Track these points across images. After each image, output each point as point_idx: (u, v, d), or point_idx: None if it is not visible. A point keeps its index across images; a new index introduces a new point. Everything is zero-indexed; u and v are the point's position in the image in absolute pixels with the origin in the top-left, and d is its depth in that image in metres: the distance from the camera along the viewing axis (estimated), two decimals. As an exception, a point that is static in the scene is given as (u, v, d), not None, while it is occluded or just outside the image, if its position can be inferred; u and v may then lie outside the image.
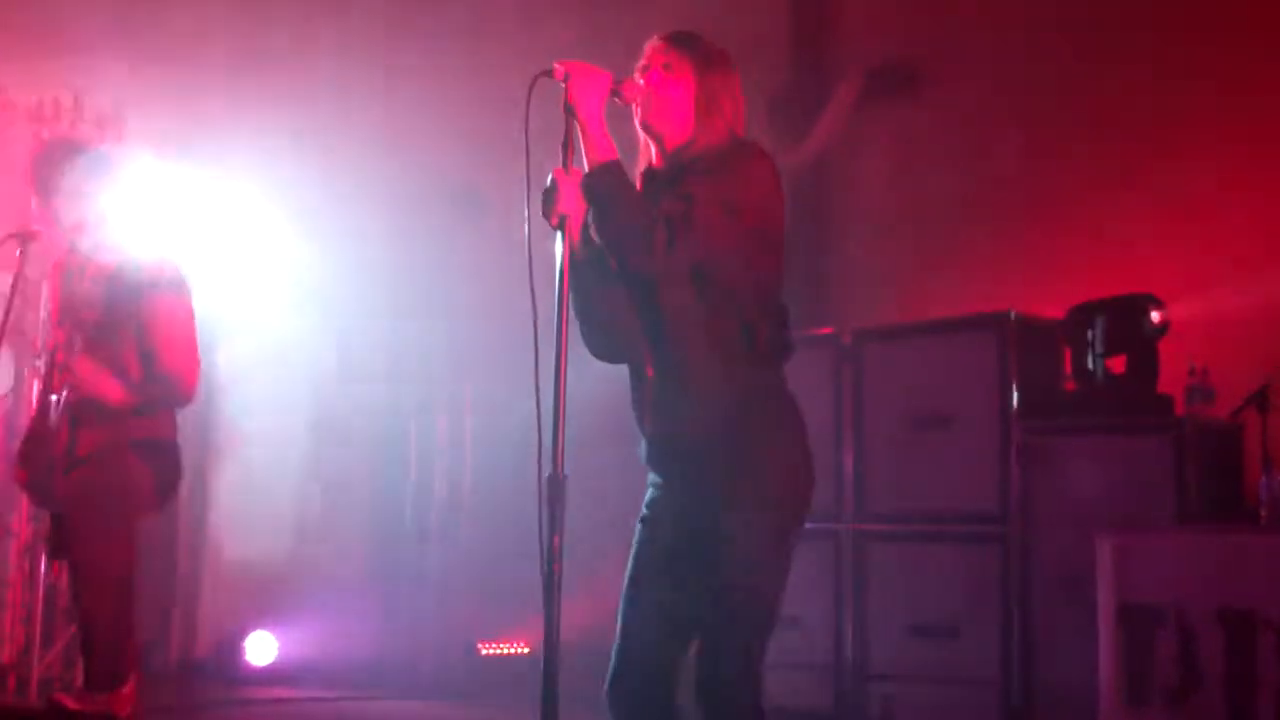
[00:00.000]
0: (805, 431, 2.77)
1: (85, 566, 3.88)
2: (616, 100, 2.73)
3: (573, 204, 2.67)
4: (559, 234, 2.67)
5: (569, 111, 2.66)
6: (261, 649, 6.47)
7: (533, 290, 2.60)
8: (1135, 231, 5.21)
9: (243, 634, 6.45)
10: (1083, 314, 4.88)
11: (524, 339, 2.61)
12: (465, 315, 7.30)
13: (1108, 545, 4.25)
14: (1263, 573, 4.00)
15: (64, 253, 4.25)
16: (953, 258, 5.73)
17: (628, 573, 2.80)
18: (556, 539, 2.51)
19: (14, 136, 5.99)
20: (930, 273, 5.78)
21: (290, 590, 6.79)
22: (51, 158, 4.31)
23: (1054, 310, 4.99)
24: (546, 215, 2.68)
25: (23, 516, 5.75)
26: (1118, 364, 4.85)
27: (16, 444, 4.36)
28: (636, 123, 2.82)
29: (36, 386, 5.32)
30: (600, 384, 3.12)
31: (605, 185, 2.63)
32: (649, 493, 2.84)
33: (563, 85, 2.67)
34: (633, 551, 2.81)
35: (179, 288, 4.16)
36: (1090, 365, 4.85)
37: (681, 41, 2.82)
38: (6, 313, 4.26)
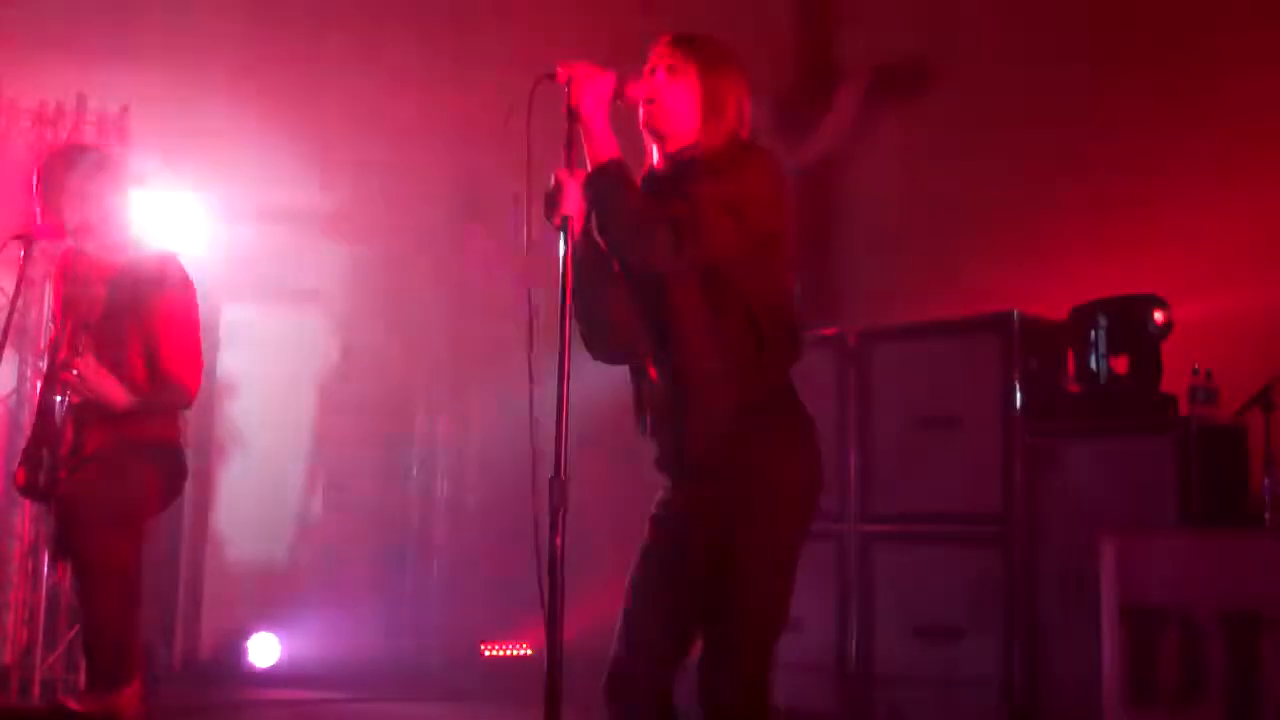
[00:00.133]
0: (815, 434, 2.76)
1: (89, 567, 3.87)
2: (619, 102, 2.73)
3: (575, 205, 2.66)
4: (561, 235, 2.67)
5: (572, 113, 2.65)
6: (264, 650, 6.47)
7: (529, 292, 2.60)
8: (1138, 232, 5.20)
9: (246, 635, 6.46)
10: (1086, 315, 4.87)
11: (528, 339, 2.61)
12: (468, 315, 7.31)
13: (1111, 546, 4.24)
14: (1266, 574, 3.99)
15: (68, 254, 4.26)
16: (957, 258, 5.72)
17: (634, 570, 2.79)
18: (559, 541, 2.50)
19: (17, 138, 6.00)
20: (935, 273, 5.78)
21: (293, 591, 6.79)
22: (54, 159, 4.31)
23: (1058, 311, 4.98)
24: (549, 216, 2.68)
25: (26, 517, 5.75)
26: (1121, 365, 4.85)
27: (20, 444, 4.36)
28: (640, 125, 2.82)
29: (39, 387, 5.32)
30: (602, 383, 3.11)
31: (608, 185, 2.62)
32: (661, 493, 2.83)
33: (566, 87, 2.66)
34: (641, 549, 2.80)
35: (183, 289, 4.16)
36: (1094, 366, 4.85)
37: (686, 43, 2.81)
38: (9, 313, 4.26)
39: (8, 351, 4.24)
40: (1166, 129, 5.21)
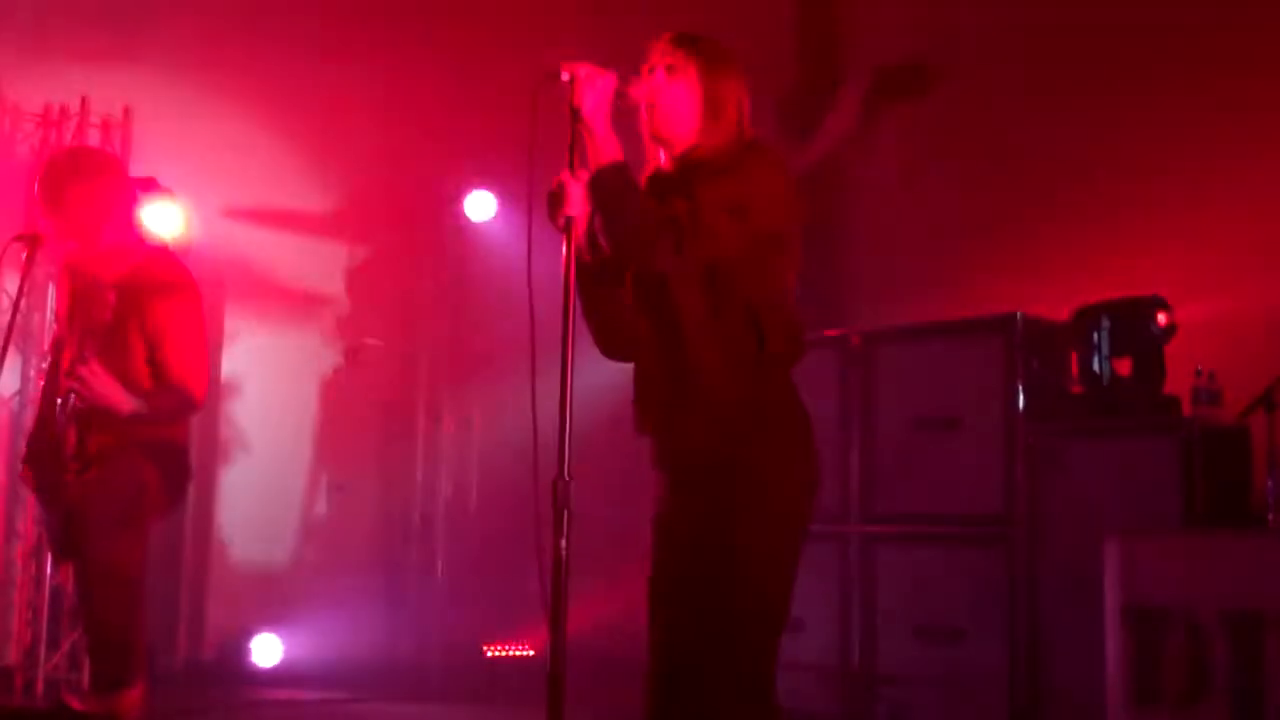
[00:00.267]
0: (811, 435, 2.76)
1: (93, 567, 3.87)
2: (621, 102, 2.72)
3: (578, 206, 2.66)
4: (565, 236, 2.67)
5: (574, 114, 2.65)
6: (267, 650, 6.47)
7: (531, 293, 2.60)
8: (1142, 233, 5.20)
9: (248, 635, 6.46)
10: (1089, 316, 4.87)
11: (531, 340, 2.61)
12: (471, 316, 7.31)
13: (1115, 547, 4.24)
14: (1270, 575, 3.99)
15: (72, 257, 4.25)
16: (960, 259, 5.72)
17: (649, 577, 2.79)
18: (562, 542, 2.50)
19: (20, 141, 6.01)
20: (937, 274, 5.78)
21: (296, 592, 6.79)
22: (58, 162, 4.31)
23: (1061, 313, 4.98)
24: (552, 217, 2.68)
25: (29, 518, 5.75)
26: (1124, 366, 4.85)
27: (22, 446, 4.36)
28: (642, 130, 2.82)
29: (41, 388, 5.33)
30: (605, 383, 3.12)
31: (611, 186, 2.62)
32: (657, 494, 2.83)
33: (568, 87, 2.66)
34: (651, 555, 2.80)
35: (187, 293, 4.16)
36: (1097, 367, 4.84)
37: (685, 42, 2.81)
38: (13, 316, 4.26)
39: (11, 354, 4.24)
40: (1169, 129, 5.21)
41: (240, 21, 6.37)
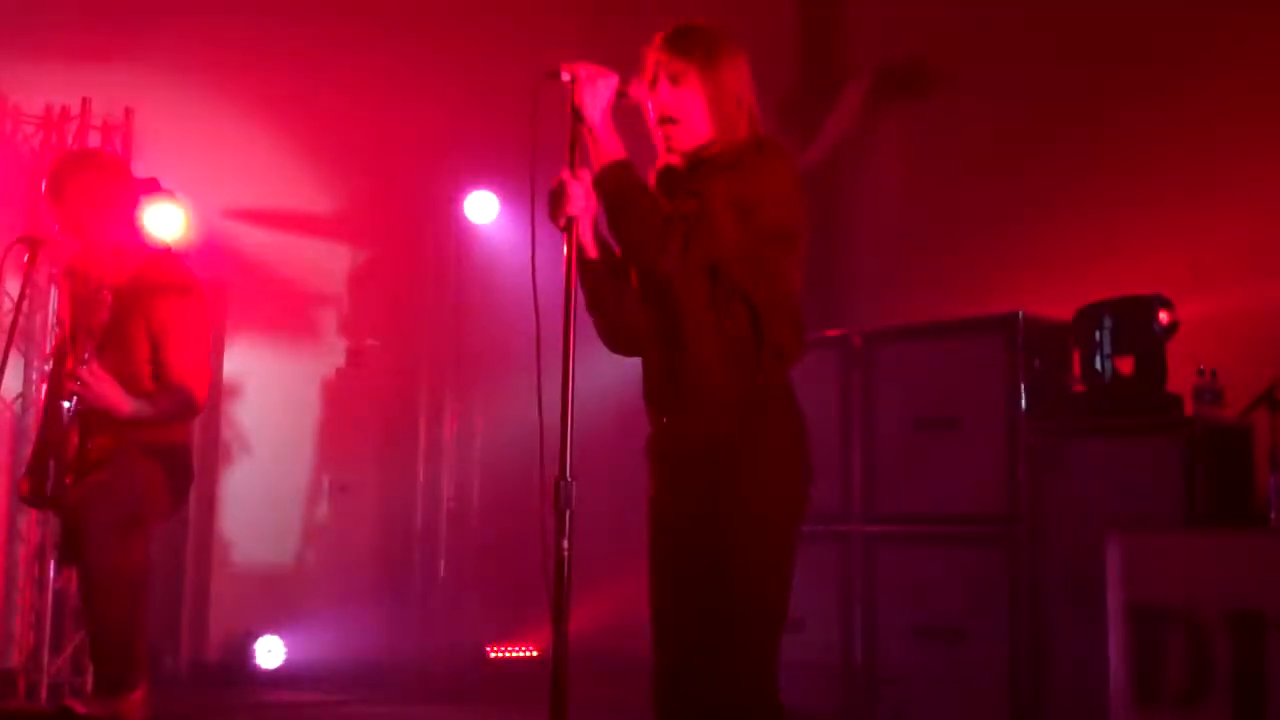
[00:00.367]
0: (805, 432, 2.76)
1: (95, 571, 3.87)
2: (623, 101, 2.72)
3: (580, 205, 2.66)
4: (566, 236, 2.67)
5: (575, 114, 2.65)
6: (270, 652, 6.48)
7: (535, 293, 2.60)
8: (1143, 232, 5.20)
9: (252, 637, 6.46)
10: (1091, 315, 4.87)
11: (533, 340, 2.61)
12: (473, 316, 7.31)
13: (1117, 546, 4.24)
14: (1272, 573, 3.99)
15: (74, 259, 4.26)
16: (961, 258, 5.73)
17: (648, 577, 2.79)
18: (565, 543, 2.51)
19: (22, 142, 6.01)
20: (939, 274, 5.78)
21: (299, 593, 6.80)
22: (60, 164, 4.31)
23: (1063, 311, 4.98)
24: (554, 217, 2.68)
25: (32, 521, 5.75)
26: (1126, 365, 4.84)
27: (26, 450, 4.36)
28: (657, 144, 2.81)
29: (44, 391, 5.33)
30: (609, 384, 3.12)
31: (617, 184, 2.62)
32: (651, 489, 2.83)
33: (569, 87, 2.66)
34: (648, 554, 2.80)
35: (189, 295, 4.16)
36: (1099, 366, 4.84)
37: (682, 45, 2.77)
38: (15, 318, 4.27)
39: (13, 356, 4.24)
40: (1171, 128, 5.21)
41: (241, 23, 6.37)
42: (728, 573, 2.65)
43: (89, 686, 5.08)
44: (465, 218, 7.15)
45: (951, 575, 4.99)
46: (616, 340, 2.85)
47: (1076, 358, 4.97)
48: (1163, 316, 4.75)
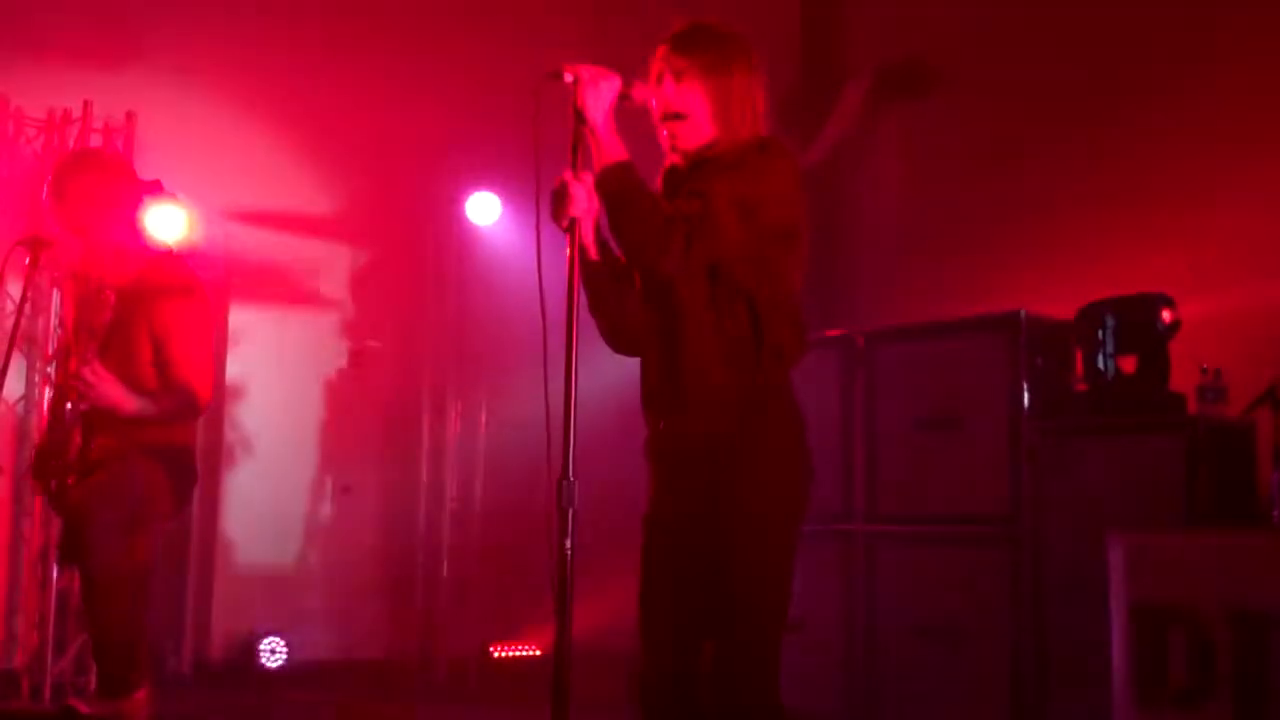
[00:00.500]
0: (805, 432, 2.77)
1: (96, 572, 3.88)
2: (626, 103, 2.72)
3: (582, 206, 2.67)
4: (569, 237, 2.67)
5: (577, 115, 2.66)
6: (274, 652, 6.48)
7: (541, 293, 2.60)
8: (1143, 232, 5.20)
9: (255, 637, 6.46)
10: (1093, 314, 4.87)
11: (537, 340, 2.62)
12: (475, 316, 7.31)
13: (1119, 545, 4.23)
14: (1275, 573, 3.98)
15: (76, 260, 4.26)
16: (963, 258, 5.73)
17: (641, 576, 2.80)
18: (567, 542, 2.51)
19: (24, 145, 6.01)
20: (941, 273, 5.78)
21: (302, 594, 6.80)
22: (62, 166, 4.32)
23: (1065, 310, 4.98)
24: (556, 218, 2.68)
25: (35, 522, 5.76)
26: (1129, 364, 4.84)
27: (29, 450, 4.37)
28: (662, 141, 2.81)
29: (48, 394, 5.33)
30: (611, 384, 3.12)
31: (619, 186, 2.62)
32: (651, 489, 2.83)
33: (571, 88, 2.66)
34: (642, 553, 2.81)
35: (192, 296, 4.17)
36: (1101, 365, 4.84)
37: (688, 45, 2.79)
38: (18, 319, 4.27)
39: (15, 358, 4.24)
40: (1173, 127, 5.21)
41: (242, 25, 6.38)
42: (728, 573, 2.66)
43: (92, 687, 5.09)
44: (467, 219, 7.15)
45: (953, 575, 4.98)
46: (619, 341, 2.86)
47: (1079, 357, 4.96)
48: (1165, 315, 4.74)
